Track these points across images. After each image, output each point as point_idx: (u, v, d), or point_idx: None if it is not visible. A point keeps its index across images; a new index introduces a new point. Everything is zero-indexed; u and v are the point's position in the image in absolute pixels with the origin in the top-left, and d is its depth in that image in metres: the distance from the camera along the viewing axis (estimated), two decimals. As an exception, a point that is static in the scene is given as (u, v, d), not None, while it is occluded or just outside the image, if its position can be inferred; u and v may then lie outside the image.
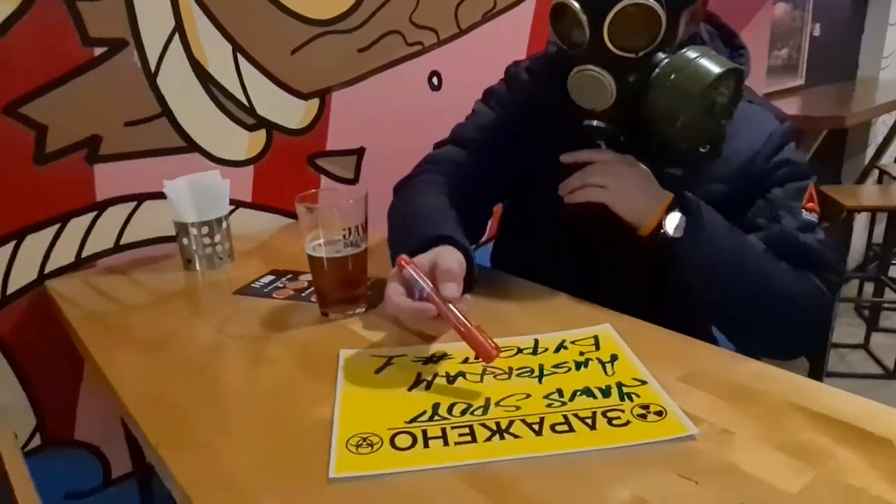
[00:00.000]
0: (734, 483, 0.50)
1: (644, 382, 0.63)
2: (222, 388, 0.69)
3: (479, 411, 0.60)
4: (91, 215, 1.06)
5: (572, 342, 0.72)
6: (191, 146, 1.13)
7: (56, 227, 1.03)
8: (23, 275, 1.01)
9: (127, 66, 1.04)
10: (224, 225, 1.03)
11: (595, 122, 0.80)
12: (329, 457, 0.54)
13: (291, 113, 1.24)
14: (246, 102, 1.18)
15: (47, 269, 1.03)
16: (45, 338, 1.01)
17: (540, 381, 0.65)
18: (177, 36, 1.09)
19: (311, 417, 0.60)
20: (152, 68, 1.07)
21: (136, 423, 0.62)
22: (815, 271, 0.81)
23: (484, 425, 0.58)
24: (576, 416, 0.59)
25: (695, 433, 0.55)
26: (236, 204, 1.20)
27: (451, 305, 0.65)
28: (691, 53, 0.75)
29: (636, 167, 0.83)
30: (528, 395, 0.62)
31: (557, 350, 0.70)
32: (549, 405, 0.60)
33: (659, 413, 0.58)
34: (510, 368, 0.67)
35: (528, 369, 0.67)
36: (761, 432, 0.56)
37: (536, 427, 0.57)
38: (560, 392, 0.62)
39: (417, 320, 0.68)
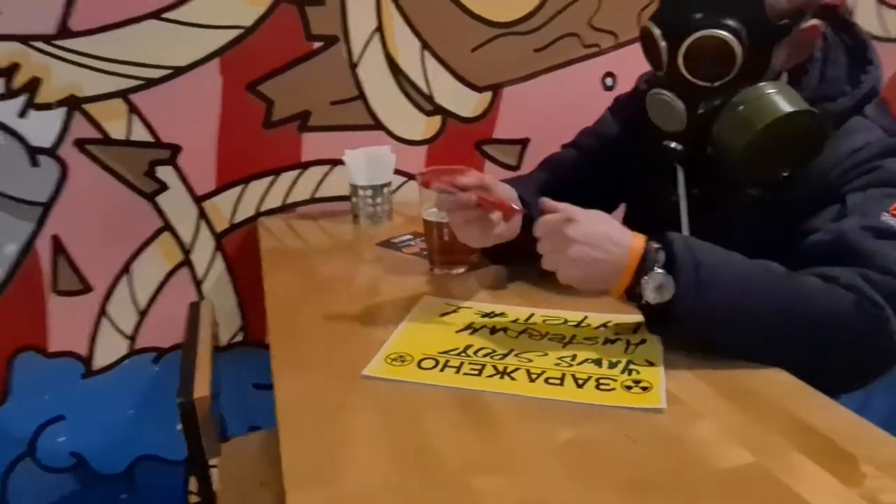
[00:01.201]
0: (669, 451, 0.57)
1: (653, 364, 0.70)
2: (337, 305, 0.90)
3: (498, 357, 0.73)
4: (297, 172, 1.36)
5: (616, 323, 0.80)
6: (377, 125, 1.38)
7: (271, 178, 1.35)
8: (245, 210, 1.35)
9: (336, 58, 1.32)
10: (386, 191, 1.26)
11: (673, 144, 0.84)
12: (371, 361, 0.72)
13: (465, 103, 1.43)
14: (427, 91, 1.40)
15: (262, 209, 1.36)
16: (253, 259, 1.33)
17: (563, 346, 0.75)
18: (377, 34, 1.34)
19: (375, 335, 0.78)
20: (355, 60, 1.33)
21: (269, 323, 0.87)
22: (870, 284, 0.69)
23: (494, 367, 0.71)
24: (573, 376, 0.68)
25: (661, 408, 0.62)
26: (408, 177, 1.43)
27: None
28: (767, 88, 0.76)
29: (581, 225, 0.72)
30: (546, 354, 0.73)
31: (598, 327, 0.79)
32: (556, 364, 0.71)
33: (645, 388, 0.66)
34: (546, 333, 0.78)
35: (561, 336, 0.77)
36: (730, 424, 0.61)
37: (534, 377, 0.68)
38: (574, 357, 0.72)
39: (459, 214, 0.81)
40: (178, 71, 1.24)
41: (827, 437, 0.58)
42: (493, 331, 0.79)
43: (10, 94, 1.17)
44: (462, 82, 1.42)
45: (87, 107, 1.21)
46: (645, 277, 0.70)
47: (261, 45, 1.27)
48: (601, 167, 1.04)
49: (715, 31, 0.75)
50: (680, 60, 0.78)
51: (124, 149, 1.25)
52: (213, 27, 1.24)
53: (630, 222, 0.94)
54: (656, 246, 0.72)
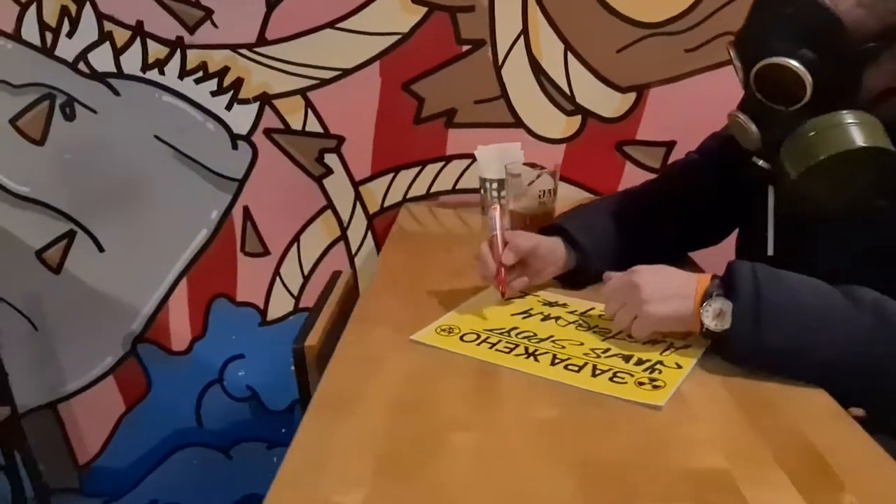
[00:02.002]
0: (643, 444, 0.59)
1: (680, 367, 0.71)
2: (433, 281, 0.99)
3: (536, 340, 0.78)
4: (440, 164, 1.50)
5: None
6: (517, 123, 1.46)
7: (418, 168, 1.50)
8: (394, 196, 1.52)
9: (482, 60, 1.43)
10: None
11: (761, 162, 0.80)
12: (423, 329, 0.82)
13: (607, 103, 1.45)
14: (568, 92, 1.44)
15: (408, 196, 1.52)
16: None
17: (603, 339, 0.78)
18: (522, 37, 1.41)
19: (447, 309, 0.88)
20: (499, 61, 1.43)
21: (364, 287, 1.01)
22: None
23: (526, 348, 0.76)
24: (594, 366, 0.72)
25: (659, 405, 0.63)
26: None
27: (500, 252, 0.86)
28: (846, 118, 0.70)
29: (646, 278, 0.76)
30: (581, 344, 0.77)
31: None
32: (585, 353, 0.75)
33: (657, 387, 0.67)
34: (595, 326, 0.81)
35: (607, 331, 0.80)
36: (724, 430, 0.60)
37: (557, 361, 0.73)
38: (607, 350, 0.75)
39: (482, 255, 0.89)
40: (346, 72, 1.44)
41: (821, 459, 0.55)
42: (546, 318, 0.84)
43: (221, 90, 1.47)
44: (605, 83, 1.44)
45: (275, 102, 1.47)
46: (705, 304, 0.71)
47: (415, 48, 1.42)
48: (723, 174, 1.01)
49: (782, 59, 0.71)
50: (752, 83, 0.76)
51: (300, 137, 1.49)
52: (375, 34, 1.42)
53: (741, 245, 0.93)
54: (720, 276, 0.73)
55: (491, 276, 0.87)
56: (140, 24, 1.44)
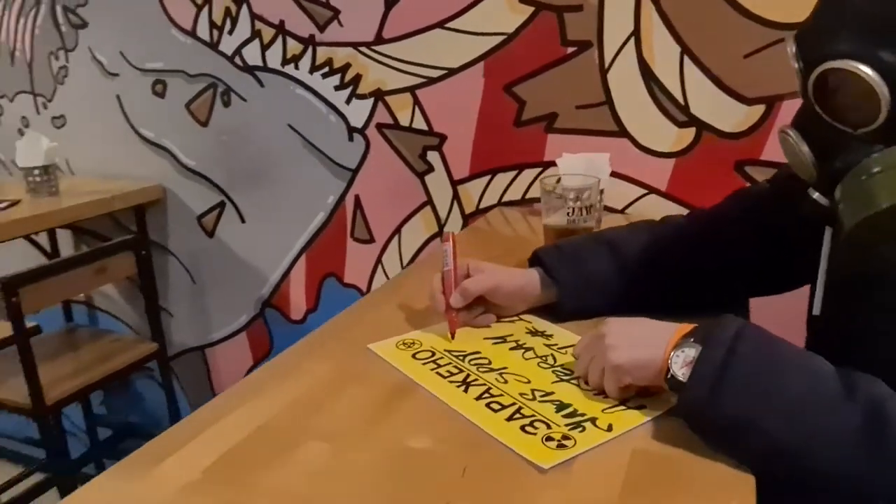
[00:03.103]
0: (498, 498, 0.53)
1: (609, 430, 0.62)
2: None
3: (484, 369, 0.73)
4: (538, 170, 1.44)
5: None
6: (621, 132, 1.35)
7: (515, 172, 1.46)
8: (490, 198, 1.50)
9: (587, 62, 1.34)
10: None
11: (816, 195, 0.63)
12: (383, 342, 0.81)
13: (728, 116, 1.27)
14: (682, 100, 1.29)
15: (503, 199, 1.49)
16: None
17: (555, 382, 0.70)
18: (632, 39, 1.30)
19: (430, 318, 0.86)
20: (606, 65, 1.33)
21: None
22: None
23: (466, 376, 0.72)
24: (518, 409, 0.65)
25: (542, 467, 0.56)
26: (650, 189, 1.36)
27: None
28: None
29: (616, 325, 0.68)
30: (528, 382, 0.71)
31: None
32: (522, 393, 0.68)
33: (561, 447, 0.59)
34: (563, 364, 0.74)
35: (569, 372, 0.72)
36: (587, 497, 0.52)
37: (484, 396, 0.68)
38: (550, 395, 0.68)
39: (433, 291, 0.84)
40: (451, 72, 1.45)
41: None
42: (517, 347, 0.79)
43: (343, 85, 1.58)
44: (726, 92, 1.26)
45: (387, 98, 1.54)
46: (676, 349, 0.61)
47: (519, 49, 1.38)
48: (786, 208, 0.84)
49: (851, 63, 0.54)
50: (810, 92, 0.58)
51: (407, 134, 1.54)
52: (481, 34, 1.41)
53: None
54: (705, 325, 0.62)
55: (443, 312, 0.82)
56: (282, 22, 1.60)
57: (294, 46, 1.60)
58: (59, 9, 1.88)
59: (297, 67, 1.61)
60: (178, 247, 1.94)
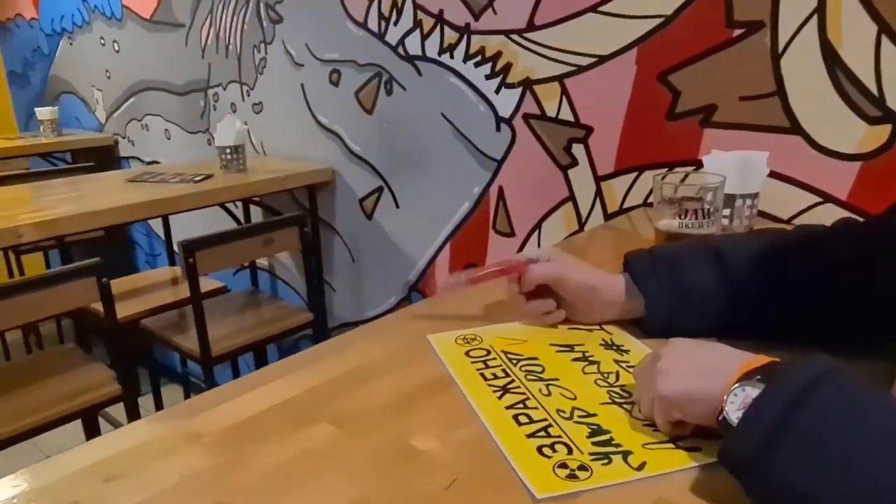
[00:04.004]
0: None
1: (639, 469, 0.52)
2: None
3: (533, 378, 0.66)
4: (690, 168, 1.28)
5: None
6: (793, 128, 1.14)
7: (664, 170, 1.32)
8: (634, 198, 1.37)
9: (757, 46, 1.15)
10: (749, 201, 1.07)
11: None
12: (444, 333, 0.77)
13: (938, 111, 1.01)
14: (875, 91, 1.06)
15: (649, 200, 1.35)
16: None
17: (602, 403, 0.61)
18: (815, 17, 1.09)
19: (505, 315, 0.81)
20: (780, 49, 1.13)
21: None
22: None
23: (508, 383, 0.66)
24: (545, 427, 0.58)
25: (537, 495, 0.49)
26: (825, 197, 1.13)
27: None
28: None
29: (675, 348, 0.57)
30: (574, 398, 0.62)
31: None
32: (559, 410, 0.61)
33: (573, 477, 0.51)
34: (621, 387, 0.64)
35: (626, 396, 0.63)
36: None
37: (517, 406, 0.61)
38: (588, 416, 0.60)
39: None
40: (602, 59, 1.35)
41: None
42: (580, 359, 0.70)
43: (493, 74, 1.55)
44: (938, 81, 1.00)
45: (536, 87, 1.47)
46: (737, 385, 0.50)
47: (677, 33, 1.24)
48: None
49: None
50: None
51: (553, 125, 1.47)
52: (636, 17, 1.28)
53: None
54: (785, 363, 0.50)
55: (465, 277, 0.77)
56: (441, 12, 1.61)
57: (450, 35, 1.60)
58: (262, 5, 2.10)
59: (451, 56, 1.62)
60: (343, 226, 2.06)
